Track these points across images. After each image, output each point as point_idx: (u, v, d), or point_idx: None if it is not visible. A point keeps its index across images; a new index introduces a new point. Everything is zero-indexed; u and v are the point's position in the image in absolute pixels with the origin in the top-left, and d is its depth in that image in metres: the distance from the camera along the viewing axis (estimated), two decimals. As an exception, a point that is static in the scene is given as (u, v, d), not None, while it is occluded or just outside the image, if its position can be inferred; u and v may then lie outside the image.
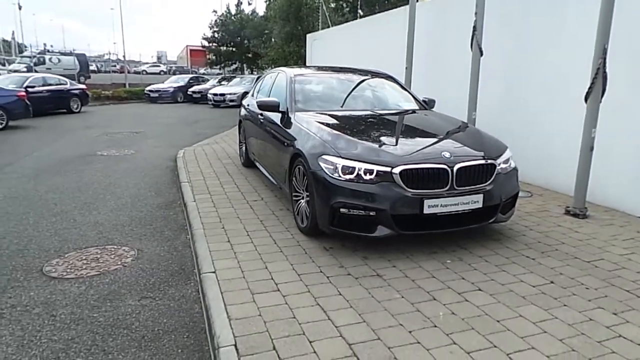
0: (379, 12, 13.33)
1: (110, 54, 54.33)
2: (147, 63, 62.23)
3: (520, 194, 4.25)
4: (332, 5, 22.37)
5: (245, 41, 32.86)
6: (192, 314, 2.97)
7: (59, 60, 31.62)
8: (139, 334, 2.74)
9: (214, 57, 34.88)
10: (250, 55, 33.32)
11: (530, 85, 5.96)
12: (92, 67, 41.73)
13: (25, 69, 28.30)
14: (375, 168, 3.50)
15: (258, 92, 6.68)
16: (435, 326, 2.64)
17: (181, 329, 2.80)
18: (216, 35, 33.66)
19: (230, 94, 20.61)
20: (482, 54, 5.98)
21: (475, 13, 5.93)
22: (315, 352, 2.38)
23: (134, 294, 3.23)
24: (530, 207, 5.00)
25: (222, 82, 24.71)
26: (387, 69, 6.62)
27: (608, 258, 3.68)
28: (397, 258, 3.58)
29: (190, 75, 28.34)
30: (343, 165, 3.57)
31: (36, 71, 24.18)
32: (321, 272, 3.33)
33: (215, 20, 33.46)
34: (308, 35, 15.94)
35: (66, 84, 17.05)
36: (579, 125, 4.66)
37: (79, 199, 5.59)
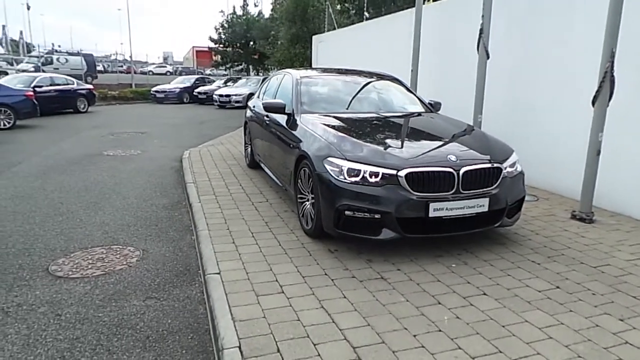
0: (385, 14, 13.32)
1: (117, 54, 54.67)
2: (153, 64, 62.56)
3: (526, 198, 4.23)
4: (338, 7, 22.40)
5: (252, 42, 32.93)
6: (196, 315, 2.98)
7: (67, 61, 31.84)
8: (144, 334, 2.75)
9: (220, 59, 34.95)
10: (256, 56, 33.39)
11: (537, 89, 5.93)
12: (99, 67, 42.00)
13: (33, 69, 28.51)
14: (381, 171, 3.50)
15: (264, 94, 6.70)
16: (440, 330, 2.63)
17: (185, 329, 2.81)
18: (222, 36, 33.75)
19: (236, 95, 20.67)
20: (488, 57, 5.97)
21: (482, 16, 5.92)
22: (319, 354, 2.38)
23: (139, 294, 3.24)
24: (537, 211, 4.97)
25: (228, 83, 24.79)
26: (392, 71, 6.61)
27: (614, 263, 3.65)
28: (402, 261, 3.57)
29: (196, 76, 28.43)
30: (349, 168, 3.57)
31: (44, 71, 24.35)
32: (326, 274, 3.33)
33: (222, 23, 33.56)
34: (314, 37, 15.95)
35: (73, 84, 17.17)
36: (586, 129, 4.63)
37: (85, 198, 5.62)
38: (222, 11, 33.84)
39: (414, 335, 2.57)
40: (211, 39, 34.29)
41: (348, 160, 3.61)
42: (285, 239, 4.04)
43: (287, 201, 5.19)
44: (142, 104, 23.53)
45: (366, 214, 3.50)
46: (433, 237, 3.81)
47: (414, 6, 7.97)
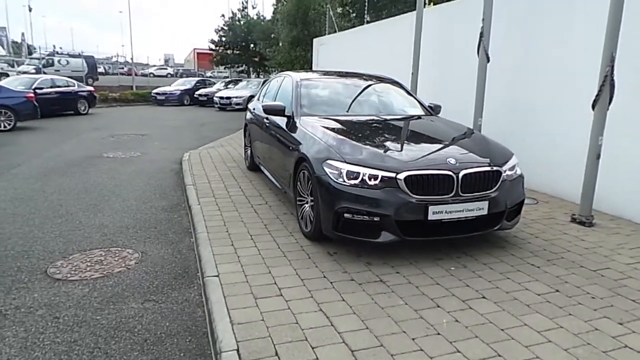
0: (385, 18, 13.34)
1: (118, 56, 54.80)
2: (154, 66, 62.76)
3: (526, 201, 4.23)
4: (339, 10, 22.42)
5: (252, 45, 32.99)
6: (194, 318, 2.97)
7: (68, 62, 31.92)
8: (142, 337, 2.74)
9: (220, 59, 35.03)
10: (256, 58, 33.44)
11: (537, 92, 5.93)
12: (100, 69, 42.11)
13: (34, 71, 28.60)
14: (380, 173, 3.49)
15: (264, 96, 6.70)
16: (439, 334, 2.63)
17: (184, 332, 2.80)
18: (223, 39, 33.82)
19: (236, 97, 20.71)
20: (488, 60, 5.97)
21: (483, 19, 5.93)
22: (317, 358, 2.37)
23: (137, 296, 3.23)
24: (536, 215, 4.97)
25: (229, 86, 24.83)
26: (393, 74, 6.62)
27: (614, 267, 3.64)
28: (401, 264, 3.56)
29: (197, 79, 28.49)
30: (348, 170, 3.56)
31: (45, 73, 24.43)
32: (325, 277, 3.32)
33: (222, 26, 33.62)
34: (315, 40, 15.97)
35: (74, 86, 17.20)
36: (586, 132, 4.63)
37: (84, 200, 5.61)
38: (222, 15, 33.84)
39: (413, 339, 2.56)
40: (212, 42, 34.37)
41: (347, 162, 3.61)
42: (285, 241, 4.03)
43: (287, 204, 5.18)
44: (142, 106, 23.56)
45: (365, 216, 3.49)
46: (432, 240, 3.80)
47: (414, 10, 7.99)
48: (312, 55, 16.43)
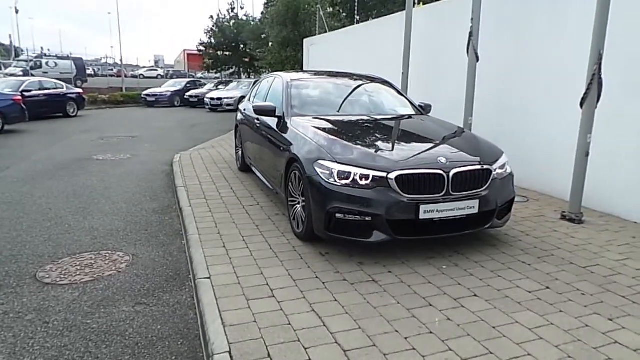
0: (375, 18, 13.37)
1: (107, 57, 54.39)
2: (144, 67, 62.29)
3: (516, 199, 4.26)
4: (329, 10, 22.44)
5: (242, 45, 32.87)
6: (186, 320, 2.95)
7: (56, 64, 31.60)
8: (133, 340, 2.72)
9: (210, 62, 34.83)
10: (247, 59, 33.34)
11: (526, 91, 5.97)
12: (89, 71, 41.65)
13: (21, 73, 28.22)
14: (371, 173, 3.50)
15: (255, 97, 6.68)
16: (431, 332, 2.63)
17: (175, 335, 2.78)
18: (212, 40, 33.66)
19: (227, 98, 20.63)
20: (478, 60, 6.01)
21: (472, 19, 5.96)
22: (310, 358, 2.36)
23: (128, 300, 3.20)
24: (527, 213, 5.01)
25: (219, 87, 24.73)
26: (383, 74, 6.63)
27: (604, 264, 3.68)
28: (393, 264, 3.57)
29: (188, 80, 28.34)
30: (339, 170, 3.56)
31: (33, 75, 24.16)
32: (317, 277, 3.32)
33: (211, 27, 33.45)
34: (305, 40, 15.96)
35: (62, 88, 17.04)
36: (574, 130, 4.67)
37: (73, 203, 5.56)
38: (211, 17, 33.62)
39: (405, 338, 2.57)
40: (201, 44, 34.19)
41: (338, 163, 3.61)
42: (276, 242, 4.02)
43: (278, 204, 5.17)
44: (132, 107, 23.39)
45: (357, 216, 3.49)
46: (424, 239, 3.81)
47: (404, 9, 8.01)
48: (302, 56, 16.42)
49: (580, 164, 4.64)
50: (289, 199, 4.28)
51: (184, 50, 57.09)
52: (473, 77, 6.07)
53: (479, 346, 2.51)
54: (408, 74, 7.87)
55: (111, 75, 40.33)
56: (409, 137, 4.54)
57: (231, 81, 26.34)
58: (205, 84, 27.32)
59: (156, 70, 59.16)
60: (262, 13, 31.00)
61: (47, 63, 31.73)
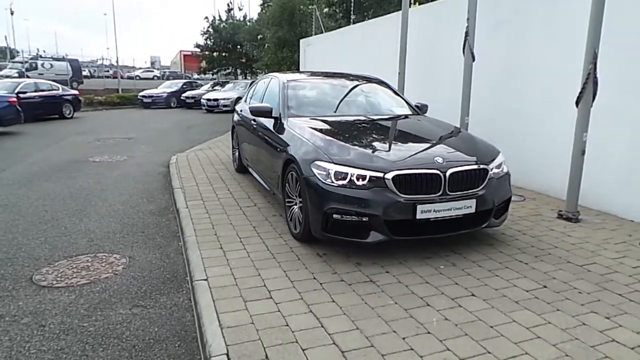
0: (371, 18, 13.39)
1: (103, 59, 54.28)
2: (140, 68, 62.15)
3: (513, 199, 4.26)
4: (325, 10, 22.44)
5: (238, 46, 32.82)
6: (183, 323, 2.94)
7: (52, 66, 31.46)
8: (130, 343, 2.70)
9: (206, 64, 34.74)
10: (243, 60, 33.29)
11: (522, 90, 5.99)
12: (85, 73, 41.55)
13: (17, 75, 28.11)
14: (368, 173, 3.50)
15: (251, 98, 6.68)
16: (429, 332, 2.63)
17: (172, 338, 2.77)
18: (208, 42, 33.59)
19: (223, 99, 20.60)
20: (474, 59, 6.02)
21: (467, 19, 5.97)
22: (308, 360, 2.36)
23: (125, 302, 3.19)
24: (523, 212, 5.02)
25: (216, 87, 24.69)
26: (380, 74, 6.63)
27: (600, 262, 3.69)
28: (391, 264, 3.57)
29: (184, 81, 28.27)
30: (336, 171, 3.56)
31: (28, 77, 24.06)
32: (314, 278, 3.31)
33: (207, 28, 33.38)
34: (301, 41, 15.96)
35: (58, 90, 16.94)
36: (570, 129, 4.69)
37: (70, 206, 5.53)
38: (206, 17, 33.54)
39: (403, 338, 2.57)
40: (197, 45, 34.10)
41: (335, 163, 3.61)
42: (274, 243, 4.01)
43: (275, 205, 5.16)
44: (129, 109, 23.31)
45: (354, 217, 3.49)
46: (421, 239, 3.81)
47: (400, 9, 8.02)
48: (299, 56, 16.41)
49: (576, 162, 4.65)
50: (286, 200, 4.28)
51: (180, 51, 56.99)
52: (469, 76, 6.09)
53: (476, 346, 2.51)
54: (404, 74, 7.87)
55: (107, 77, 40.27)
56: (405, 137, 4.54)
57: (227, 82, 26.29)
58: (201, 85, 27.27)
59: (152, 71, 59.06)
60: (258, 15, 30.97)
61: (42, 64, 31.60)
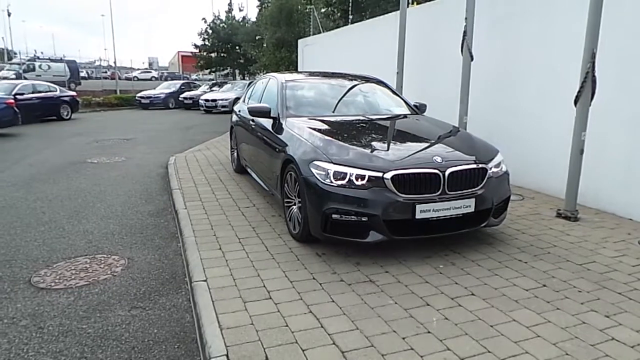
0: (370, 18, 13.39)
1: (101, 60, 54.17)
2: (138, 69, 61.98)
3: (512, 198, 4.26)
4: (323, 10, 22.43)
5: (237, 47, 32.80)
6: (183, 324, 2.93)
7: (49, 67, 31.37)
8: (129, 345, 2.70)
9: (204, 64, 34.73)
10: (242, 60, 33.27)
11: (521, 89, 5.99)
12: (83, 74, 41.42)
13: (14, 76, 28.02)
14: (367, 173, 3.49)
15: (249, 98, 6.67)
16: (429, 332, 2.63)
17: (172, 339, 2.76)
18: (206, 42, 33.55)
19: (222, 99, 20.57)
20: (472, 59, 6.02)
21: (466, 18, 5.97)
22: (308, 360, 2.35)
23: (124, 304, 3.18)
24: (522, 211, 5.02)
25: (214, 88, 24.66)
26: (378, 73, 6.63)
27: (600, 260, 3.69)
28: (390, 263, 3.56)
29: (182, 81, 28.25)
30: (335, 171, 3.56)
31: (25, 78, 23.96)
32: (314, 278, 3.31)
33: (205, 29, 33.36)
34: (299, 41, 15.96)
35: (56, 91, 16.90)
36: (569, 128, 4.69)
37: (68, 207, 5.52)
38: (204, 19, 33.55)
39: (403, 338, 2.56)
40: (195, 46, 34.07)
41: (334, 163, 3.60)
42: (273, 243, 4.01)
43: (274, 206, 5.16)
44: (127, 110, 23.28)
45: (353, 217, 3.49)
46: (420, 239, 3.81)
47: (398, 9, 8.02)
48: (297, 57, 16.41)
49: (575, 161, 4.66)
50: (285, 200, 4.27)
51: (178, 52, 56.98)
52: (467, 76, 6.09)
53: (477, 345, 2.51)
54: (403, 74, 7.87)
55: (105, 78, 40.16)
56: (404, 136, 4.54)
57: (226, 82, 26.26)
58: (199, 86, 27.24)
59: (150, 72, 58.94)
60: (257, 16, 30.96)
61: (40, 66, 31.50)
